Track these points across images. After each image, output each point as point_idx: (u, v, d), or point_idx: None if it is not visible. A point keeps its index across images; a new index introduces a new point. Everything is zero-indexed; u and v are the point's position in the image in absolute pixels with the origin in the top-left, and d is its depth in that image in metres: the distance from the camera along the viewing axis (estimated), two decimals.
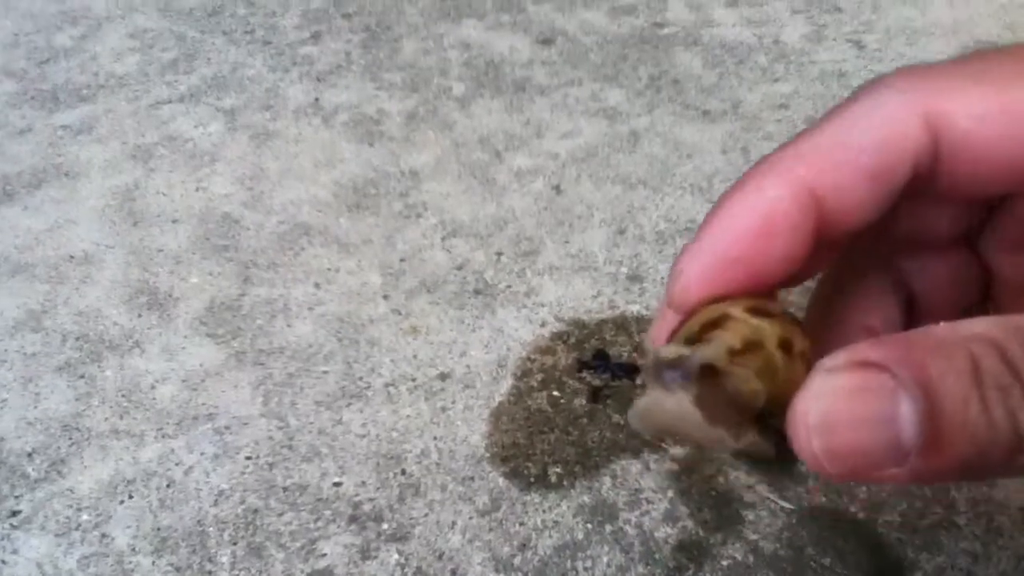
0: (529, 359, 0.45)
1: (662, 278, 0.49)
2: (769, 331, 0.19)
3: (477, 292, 0.48)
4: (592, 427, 0.42)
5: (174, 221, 0.53)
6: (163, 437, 0.41)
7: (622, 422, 0.42)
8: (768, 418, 0.20)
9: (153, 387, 0.43)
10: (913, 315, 0.26)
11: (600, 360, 0.45)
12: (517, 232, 0.52)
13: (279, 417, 0.42)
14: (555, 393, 0.43)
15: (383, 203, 0.54)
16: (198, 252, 0.51)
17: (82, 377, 0.44)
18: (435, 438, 0.41)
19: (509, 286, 0.49)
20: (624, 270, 0.50)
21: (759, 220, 0.22)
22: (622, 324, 0.47)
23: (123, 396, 0.43)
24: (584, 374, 0.44)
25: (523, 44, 0.67)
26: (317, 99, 0.62)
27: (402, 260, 0.50)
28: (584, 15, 0.71)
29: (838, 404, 0.19)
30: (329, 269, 0.50)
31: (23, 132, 0.59)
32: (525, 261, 0.50)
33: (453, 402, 0.43)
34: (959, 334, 0.19)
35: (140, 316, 0.47)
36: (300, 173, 0.56)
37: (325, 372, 0.44)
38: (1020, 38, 0.64)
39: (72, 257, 0.50)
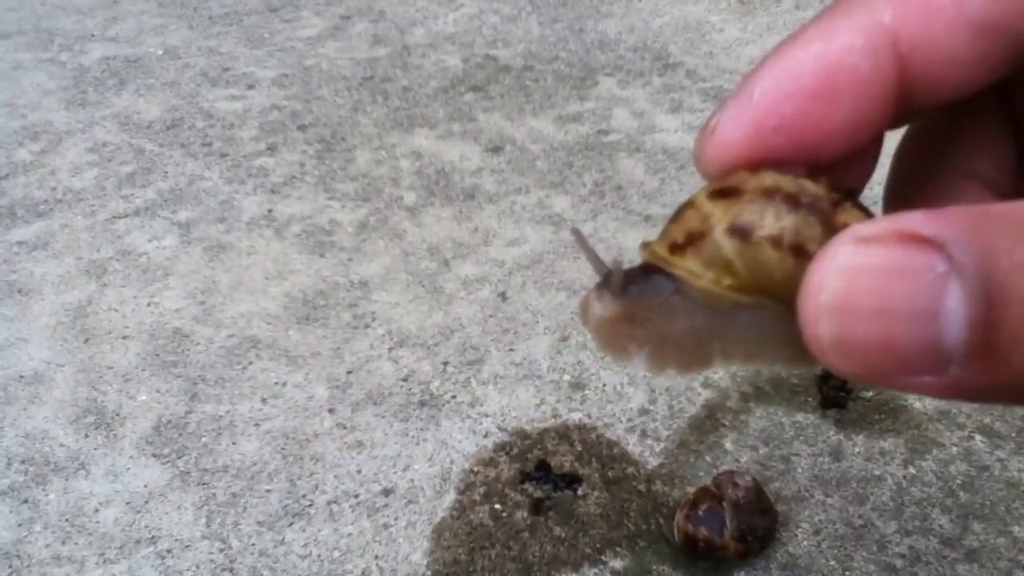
0: (472, 471, 0.45)
1: (604, 385, 0.50)
2: (722, 215, 0.16)
3: (422, 404, 0.49)
4: (533, 541, 0.42)
5: (124, 337, 0.53)
6: (105, 563, 0.41)
7: (563, 536, 0.42)
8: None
9: (97, 510, 0.44)
10: None
11: (541, 471, 0.45)
12: (463, 341, 0.53)
13: (221, 539, 0.42)
14: (497, 506, 0.44)
15: (332, 314, 0.55)
16: (147, 369, 0.51)
17: (25, 502, 0.44)
18: (376, 557, 0.41)
19: (454, 396, 0.50)
20: (567, 378, 0.51)
21: (821, 74, 0.17)
22: (564, 433, 0.47)
23: (66, 521, 0.43)
24: (526, 485, 0.45)
25: (473, 152, 0.70)
26: (271, 210, 0.64)
27: (349, 372, 0.51)
28: (532, 123, 0.74)
29: (864, 283, 0.14)
30: (276, 383, 0.50)
31: None
32: (470, 370, 0.51)
33: (396, 519, 0.43)
34: None
35: (87, 436, 0.47)
36: (251, 286, 0.57)
37: (268, 491, 0.44)
38: None
39: (22, 376, 0.51)
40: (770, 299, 0.17)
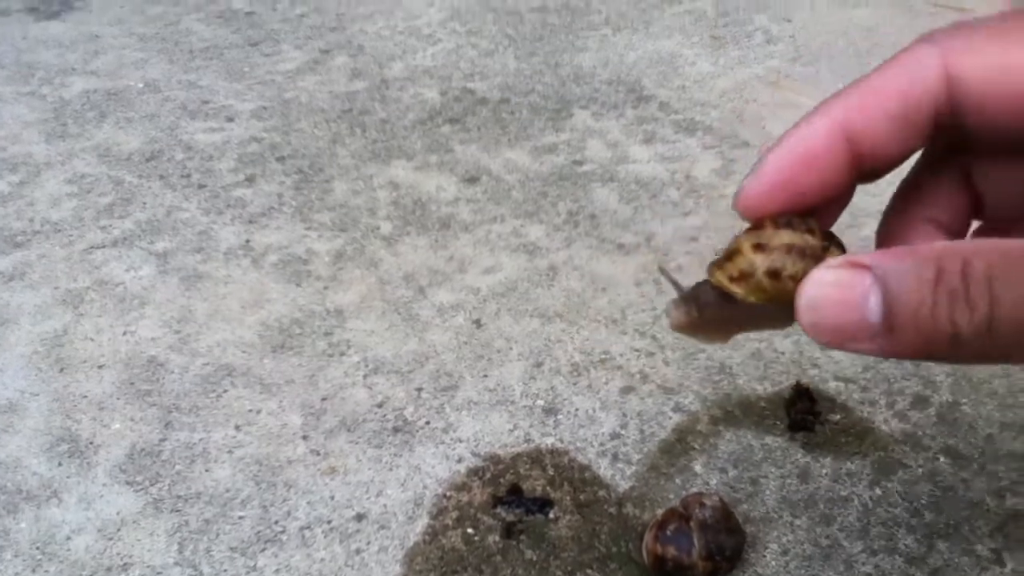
0: (445, 496, 0.46)
1: (576, 410, 0.51)
2: (764, 264, 0.28)
3: (396, 430, 0.50)
4: (505, 565, 0.42)
5: (100, 367, 0.54)
6: None
7: (535, 559, 0.43)
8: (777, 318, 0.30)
9: (69, 538, 0.44)
10: (980, 214, 0.31)
11: (514, 495, 0.46)
12: (437, 367, 0.54)
13: (193, 566, 0.42)
14: (469, 530, 0.44)
15: (307, 342, 0.55)
16: (122, 398, 0.51)
17: None
18: None
19: (428, 422, 0.50)
20: (540, 403, 0.51)
21: (802, 152, 0.28)
22: (536, 458, 0.48)
23: (37, 548, 0.43)
24: (498, 510, 0.45)
25: (449, 183, 0.71)
26: (248, 240, 0.64)
27: (323, 399, 0.51)
28: (508, 154, 0.75)
29: (826, 290, 0.25)
30: (250, 411, 0.51)
31: None
32: (444, 396, 0.52)
33: (368, 543, 0.43)
34: (943, 248, 0.24)
35: (60, 465, 0.47)
36: (227, 315, 0.58)
37: (241, 517, 0.44)
38: None
39: None
40: (776, 303, 0.28)
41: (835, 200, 0.30)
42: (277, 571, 0.42)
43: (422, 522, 0.44)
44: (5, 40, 0.94)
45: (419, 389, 0.52)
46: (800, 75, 0.88)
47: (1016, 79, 0.26)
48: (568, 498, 0.46)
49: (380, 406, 0.51)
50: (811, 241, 0.28)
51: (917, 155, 0.30)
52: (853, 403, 0.51)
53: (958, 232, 0.31)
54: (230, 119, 0.80)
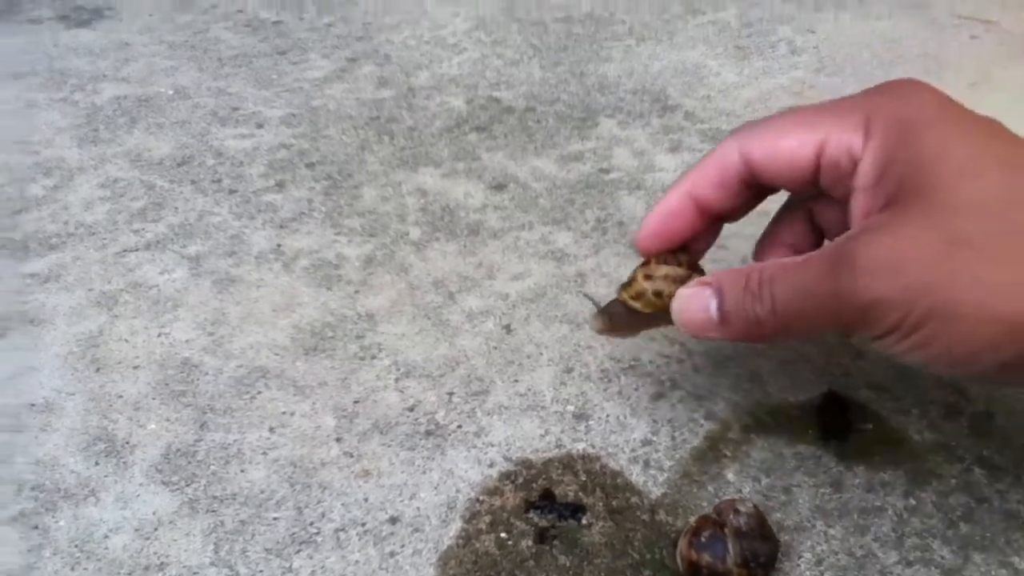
0: (478, 500, 0.46)
1: (607, 416, 0.51)
2: (651, 287, 0.44)
3: (428, 433, 0.50)
4: (538, 569, 0.43)
5: (135, 367, 0.54)
6: None
7: (568, 564, 0.43)
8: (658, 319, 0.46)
9: (106, 537, 0.44)
10: (820, 236, 0.46)
11: (546, 500, 0.46)
12: (468, 372, 0.54)
13: (229, 566, 0.42)
14: (503, 535, 0.44)
15: (339, 346, 0.56)
16: (157, 398, 0.52)
17: (35, 528, 0.44)
18: None
19: (460, 426, 0.50)
20: (571, 408, 0.51)
21: (665, 210, 0.45)
22: (568, 463, 0.48)
23: (76, 547, 0.43)
24: (531, 515, 0.45)
25: (477, 190, 0.71)
26: (279, 245, 0.65)
27: (356, 402, 0.52)
28: (535, 162, 0.75)
29: (685, 301, 0.42)
30: (284, 412, 0.51)
31: None
32: (475, 401, 0.52)
33: (402, 547, 0.43)
34: (749, 267, 0.39)
35: (97, 464, 0.48)
36: (260, 318, 0.58)
37: (276, 518, 0.45)
38: None
39: (33, 405, 0.52)
40: (661, 311, 0.44)
41: (700, 237, 0.46)
42: (312, 572, 0.42)
43: (455, 526, 0.45)
44: (37, 48, 0.96)
45: (450, 393, 0.52)
46: (824, 86, 0.88)
47: (781, 157, 0.40)
48: (601, 504, 0.46)
49: (412, 409, 0.51)
50: (680, 271, 0.44)
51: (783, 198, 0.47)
52: (885, 412, 0.51)
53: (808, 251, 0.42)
54: (260, 125, 0.81)
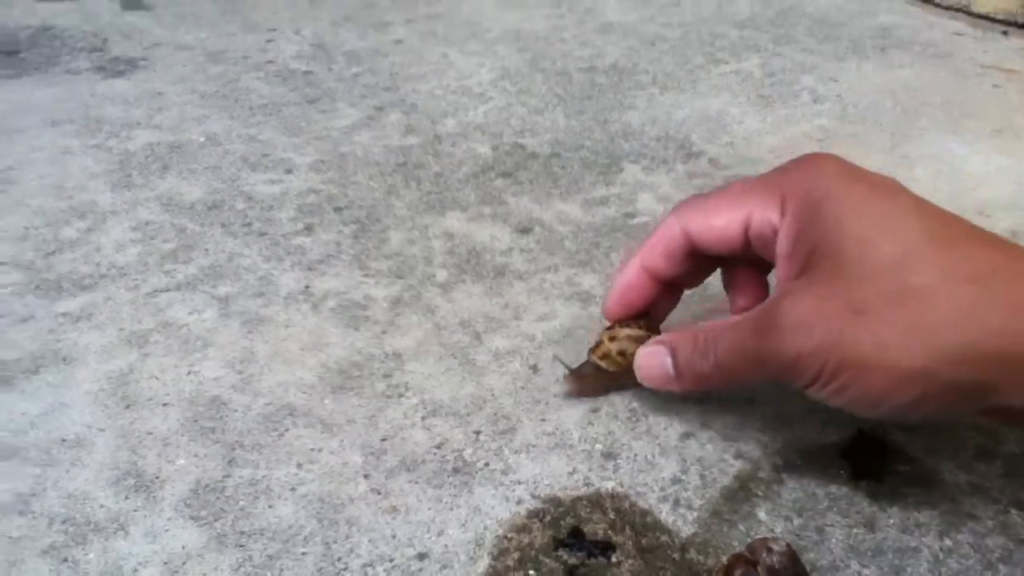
0: (506, 537, 0.46)
1: (635, 455, 0.50)
2: (615, 347, 0.51)
3: (456, 471, 0.50)
4: None
5: (165, 404, 0.54)
6: None
7: None
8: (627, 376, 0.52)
9: (135, 570, 0.44)
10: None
11: (575, 538, 0.46)
12: (495, 411, 0.54)
13: None
14: (531, 572, 0.44)
15: (367, 384, 0.56)
16: (186, 434, 0.52)
17: (65, 561, 0.44)
18: None
19: (487, 464, 0.50)
20: (599, 447, 0.51)
21: (623, 283, 0.52)
22: (597, 501, 0.48)
23: None
24: (560, 552, 0.45)
25: (503, 233, 0.72)
26: (307, 286, 0.66)
27: (383, 439, 0.52)
28: (560, 206, 0.76)
29: (645, 359, 0.49)
30: (312, 449, 0.51)
31: (25, 320, 0.62)
32: (502, 439, 0.52)
33: None
34: (696, 329, 0.47)
35: (127, 498, 0.48)
36: (288, 357, 0.58)
37: (304, 553, 0.45)
38: None
39: (64, 440, 0.52)
40: (625, 369, 0.51)
41: (659, 304, 0.53)
42: None
43: (484, 563, 0.44)
44: (74, 97, 0.98)
45: (477, 432, 0.52)
46: (848, 133, 0.89)
47: (714, 232, 0.47)
48: (630, 542, 0.45)
49: (439, 447, 0.51)
50: (640, 332, 0.51)
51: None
52: (916, 452, 0.50)
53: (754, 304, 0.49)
54: (289, 171, 0.82)
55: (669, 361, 0.47)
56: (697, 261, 0.50)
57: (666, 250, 0.49)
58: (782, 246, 0.43)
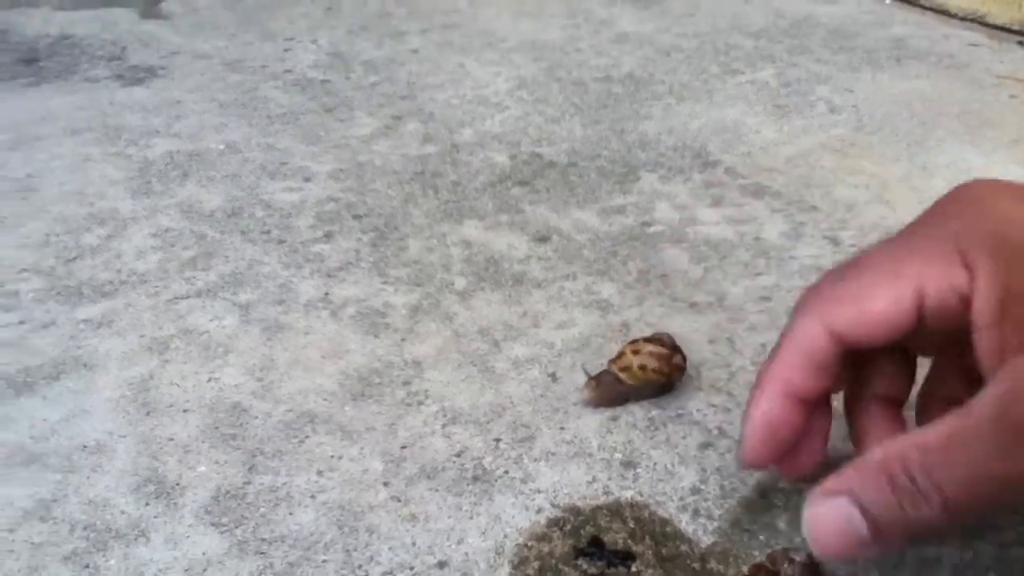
0: (526, 546, 0.46)
1: (655, 464, 0.50)
2: (637, 361, 0.52)
3: (475, 478, 0.50)
4: None
5: (185, 411, 0.55)
6: None
7: None
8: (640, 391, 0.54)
9: None
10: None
11: (595, 547, 0.45)
12: (514, 419, 0.54)
13: None
14: None
15: (387, 392, 0.56)
16: (207, 441, 0.52)
17: (87, 567, 0.45)
18: None
19: (506, 472, 0.50)
20: (618, 456, 0.51)
21: (765, 420, 0.40)
22: (616, 510, 0.48)
23: None
24: (580, 561, 0.45)
25: (520, 242, 0.72)
26: (327, 294, 0.66)
27: (403, 447, 0.52)
28: (577, 215, 0.76)
29: (818, 522, 0.33)
30: (332, 456, 0.51)
31: (47, 326, 0.63)
32: (522, 447, 0.52)
33: None
34: (884, 455, 0.32)
35: (147, 505, 0.48)
36: (308, 364, 0.59)
37: (324, 561, 0.45)
38: None
39: (85, 447, 0.52)
40: (644, 383, 0.53)
41: (814, 431, 0.43)
42: None
43: (504, 571, 0.44)
44: (94, 105, 0.99)
45: (497, 439, 0.52)
46: (865, 144, 0.89)
47: (874, 321, 0.36)
48: (650, 552, 0.45)
49: (459, 455, 0.51)
50: (664, 351, 0.52)
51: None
52: None
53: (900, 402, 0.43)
54: (307, 179, 0.83)
55: (858, 516, 0.31)
56: (851, 359, 0.39)
57: (811, 363, 0.38)
58: (982, 314, 0.34)
